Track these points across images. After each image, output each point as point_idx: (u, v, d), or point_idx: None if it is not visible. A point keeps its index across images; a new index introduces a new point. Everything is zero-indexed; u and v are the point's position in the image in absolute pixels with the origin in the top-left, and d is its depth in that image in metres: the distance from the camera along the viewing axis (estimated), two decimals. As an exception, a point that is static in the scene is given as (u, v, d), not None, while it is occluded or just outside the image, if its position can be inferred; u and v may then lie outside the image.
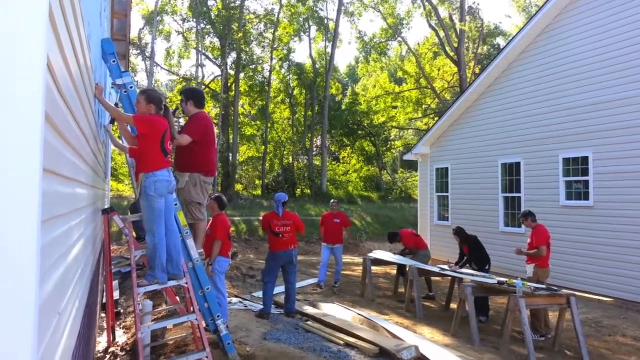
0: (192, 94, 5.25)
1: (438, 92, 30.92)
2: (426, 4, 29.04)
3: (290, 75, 32.69)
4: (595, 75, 9.45)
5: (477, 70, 28.43)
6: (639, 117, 8.60)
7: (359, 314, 7.23)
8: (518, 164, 11.18)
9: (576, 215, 9.69)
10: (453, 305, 8.09)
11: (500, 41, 34.32)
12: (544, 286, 6.45)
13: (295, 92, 33.18)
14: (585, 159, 9.58)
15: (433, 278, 9.29)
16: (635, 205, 8.60)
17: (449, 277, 8.34)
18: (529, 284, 6.43)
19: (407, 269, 8.75)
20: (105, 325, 6.15)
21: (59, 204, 1.93)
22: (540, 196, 10.52)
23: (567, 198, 9.99)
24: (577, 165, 9.78)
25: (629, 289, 8.59)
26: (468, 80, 26.82)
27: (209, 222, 6.50)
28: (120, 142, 5.69)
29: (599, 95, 9.34)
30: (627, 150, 8.78)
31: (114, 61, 4.83)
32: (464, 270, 7.90)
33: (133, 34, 26.07)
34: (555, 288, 6.49)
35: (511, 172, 11.41)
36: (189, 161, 4.88)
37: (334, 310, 7.49)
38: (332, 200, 10.76)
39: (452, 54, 28.84)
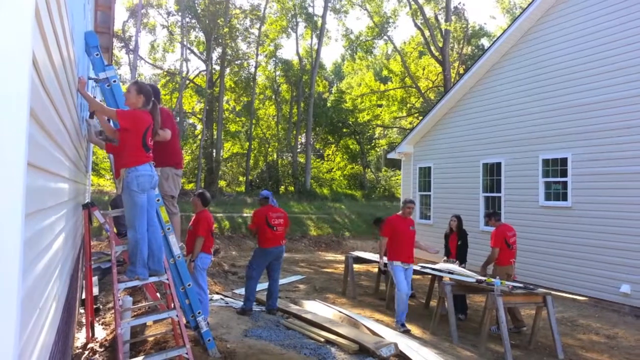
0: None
1: (423, 91, 31.12)
2: (412, 3, 29.19)
3: (278, 72, 32.63)
4: (575, 78, 9.63)
5: (461, 71, 28.69)
6: (618, 119, 8.79)
7: (340, 312, 7.29)
8: (499, 164, 11.34)
9: (554, 215, 9.88)
10: (433, 303, 8.19)
11: (485, 42, 34.68)
12: (521, 285, 6.58)
13: (282, 88, 33.12)
14: (564, 161, 9.76)
15: (413, 276, 9.36)
16: (612, 206, 8.80)
17: (429, 276, 8.44)
18: (507, 282, 6.56)
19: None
20: (84, 321, 6.10)
21: (42, 198, 1.93)
22: (520, 196, 10.70)
23: (546, 199, 10.18)
24: (556, 167, 9.96)
25: (603, 288, 8.80)
26: (452, 80, 27.06)
27: (192, 219, 6.50)
28: (96, 137, 5.60)
29: (579, 98, 9.52)
30: (606, 152, 8.98)
31: (97, 54, 4.79)
32: (447, 265, 7.93)
33: (117, 26, 25.75)
34: (532, 287, 6.62)
35: (492, 172, 11.57)
36: (160, 156, 4.86)
37: (316, 308, 7.54)
38: (405, 200, 7.48)
39: (437, 53, 29.05)
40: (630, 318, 8.02)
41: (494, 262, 7.34)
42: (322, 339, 5.81)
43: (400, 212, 7.31)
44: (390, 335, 6.09)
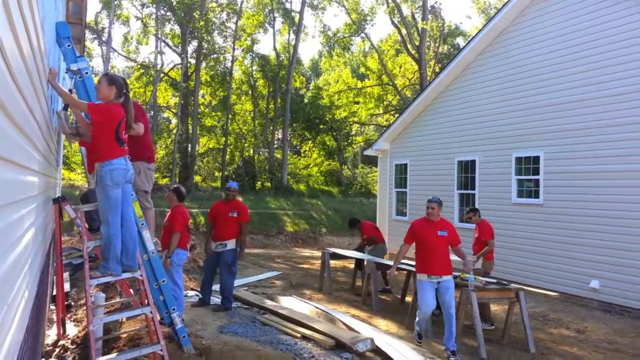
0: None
1: (399, 89, 31.35)
2: (390, 1, 29.34)
3: (254, 67, 32.40)
4: (548, 78, 9.81)
5: (437, 69, 29.00)
6: (589, 119, 8.99)
7: (316, 307, 7.30)
8: (473, 162, 11.50)
9: (526, 212, 10.07)
10: (408, 299, 8.27)
11: (461, 41, 35.12)
12: (494, 281, 6.69)
13: (259, 84, 32.90)
14: (536, 159, 9.96)
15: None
16: (582, 204, 9.01)
17: (404, 271, 8.52)
18: (480, 278, 6.66)
19: (364, 263, 8.88)
20: (55, 317, 5.96)
21: (10, 191, 1.86)
22: (493, 193, 10.88)
23: (518, 196, 10.37)
24: (529, 165, 10.15)
25: (573, 284, 9.02)
26: (428, 78, 27.32)
27: (167, 214, 6.41)
28: (69, 130, 5.46)
29: (552, 98, 9.71)
30: (577, 151, 9.18)
31: (69, 45, 4.65)
32: None
33: (89, 17, 25.16)
34: (505, 283, 6.75)
35: (467, 169, 11.73)
36: (131, 150, 4.77)
37: (292, 304, 7.53)
38: (430, 200, 6.02)
39: (413, 52, 29.28)
40: (599, 313, 8.25)
41: (483, 257, 7.45)
42: (299, 335, 5.81)
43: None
44: (366, 330, 6.12)
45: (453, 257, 6.15)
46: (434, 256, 5.77)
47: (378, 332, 6.23)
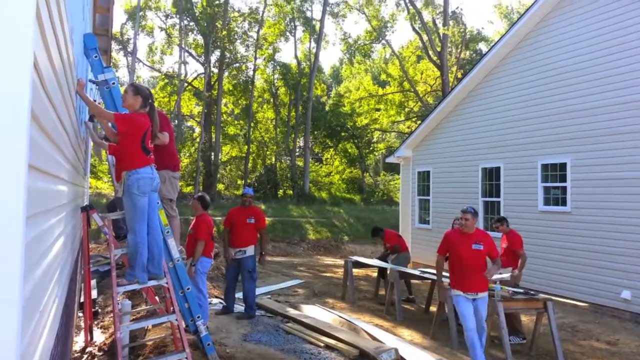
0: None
1: (421, 95, 31.16)
2: (410, 7, 29.25)
3: (276, 76, 32.64)
4: (574, 83, 9.62)
5: (459, 75, 28.73)
6: (617, 124, 8.78)
7: (339, 316, 7.25)
8: (498, 169, 11.33)
9: (553, 220, 9.86)
10: (433, 309, 8.15)
11: (483, 47, 34.77)
12: (521, 290, 6.55)
13: (280, 92, 33.12)
14: (563, 166, 9.75)
15: (413, 281, 9.36)
16: (610, 211, 8.78)
17: (429, 281, 8.40)
18: (507, 288, 6.53)
19: (388, 271, 8.79)
20: (82, 324, 6.05)
21: (42, 201, 1.90)
22: (519, 201, 10.68)
23: (545, 204, 10.16)
24: (555, 172, 9.95)
25: (603, 294, 8.77)
26: (450, 84, 27.08)
27: (192, 222, 6.47)
28: (99, 139, 5.61)
29: (578, 103, 9.52)
30: (605, 157, 8.96)
31: (96, 57, 4.75)
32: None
33: (115, 29, 25.70)
34: (532, 293, 6.60)
35: (491, 177, 11.55)
36: (157, 159, 4.82)
37: (315, 312, 7.50)
38: (464, 210, 5.50)
39: (435, 58, 29.09)
40: (631, 324, 7.99)
41: (512, 267, 7.30)
42: (322, 344, 5.77)
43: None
44: (390, 340, 6.05)
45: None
46: (468, 272, 5.36)
47: (402, 342, 6.15)
